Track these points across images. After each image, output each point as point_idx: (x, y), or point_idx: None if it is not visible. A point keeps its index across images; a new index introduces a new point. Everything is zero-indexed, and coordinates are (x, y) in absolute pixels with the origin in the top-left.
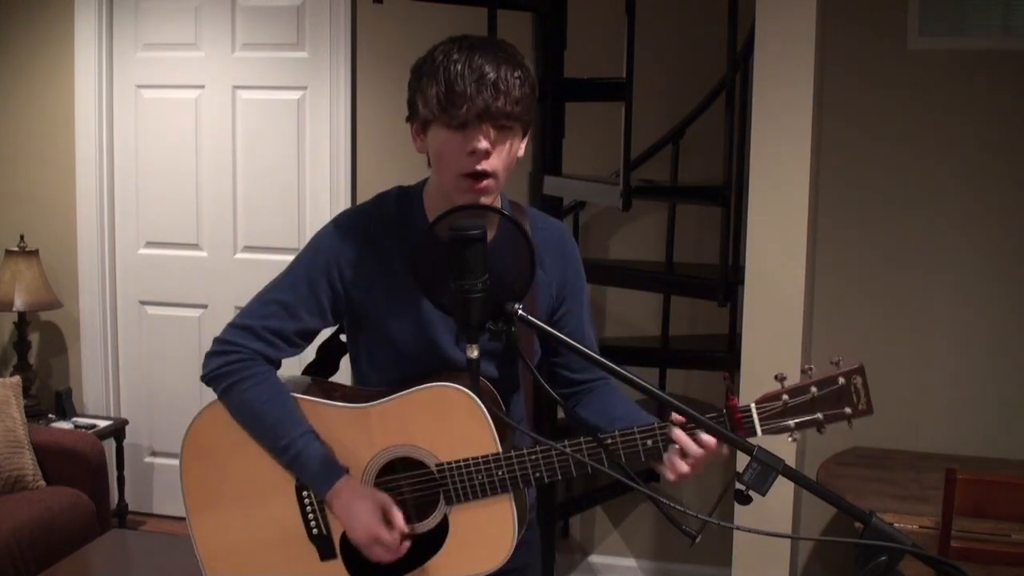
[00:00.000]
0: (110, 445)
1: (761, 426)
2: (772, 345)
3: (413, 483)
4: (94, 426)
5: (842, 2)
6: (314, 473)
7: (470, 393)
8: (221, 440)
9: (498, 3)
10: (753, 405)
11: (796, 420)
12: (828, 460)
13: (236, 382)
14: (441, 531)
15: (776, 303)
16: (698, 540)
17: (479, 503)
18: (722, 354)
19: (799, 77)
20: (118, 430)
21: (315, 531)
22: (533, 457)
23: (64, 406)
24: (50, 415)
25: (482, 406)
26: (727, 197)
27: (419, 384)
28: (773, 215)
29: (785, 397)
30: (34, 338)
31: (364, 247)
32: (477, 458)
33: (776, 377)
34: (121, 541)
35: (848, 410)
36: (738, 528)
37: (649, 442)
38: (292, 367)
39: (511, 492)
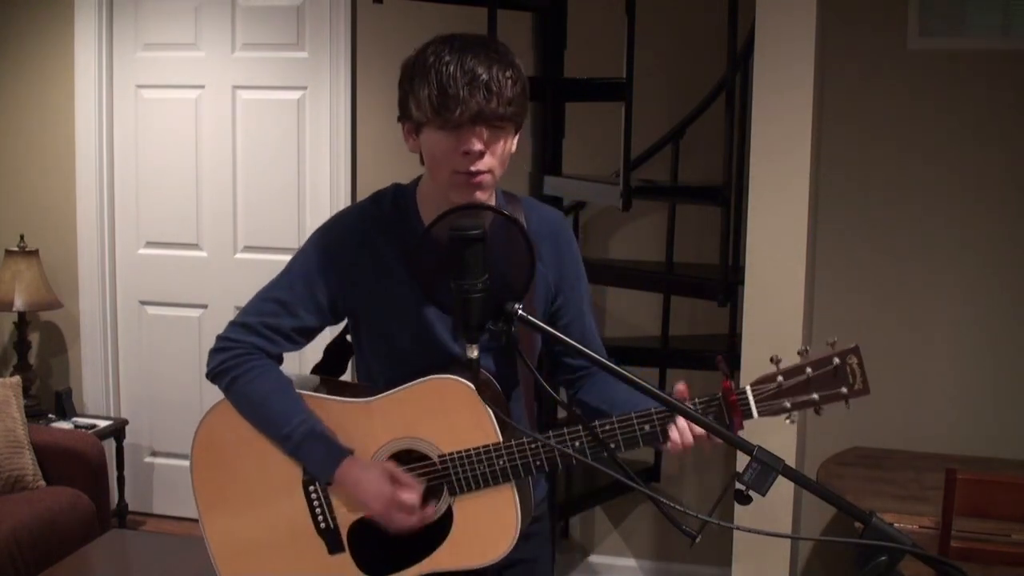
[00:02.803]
0: (110, 445)
1: (757, 408)
2: (772, 345)
3: (417, 475)
4: (94, 426)
5: (842, 2)
6: (318, 458)
7: (470, 384)
8: (229, 439)
9: (498, 3)
10: (748, 387)
11: (792, 401)
12: (828, 460)
13: (237, 376)
14: (445, 522)
15: (776, 303)
16: (698, 540)
17: (482, 493)
18: (722, 354)
19: (799, 77)
20: (118, 430)
21: (323, 525)
22: (534, 446)
23: (64, 406)
24: (50, 415)
25: (479, 398)
26: (727, 197)
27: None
28: (773, 215)
29: (780, 379)
30: (34, 338)
31: (360, 246)
32: (479, 448)
33: (771, 359)
34: (121, 541)
35: (844, 390)
36: (738, 528)
37: (647, 427)
38: (298, 370)
39: (513, 481)
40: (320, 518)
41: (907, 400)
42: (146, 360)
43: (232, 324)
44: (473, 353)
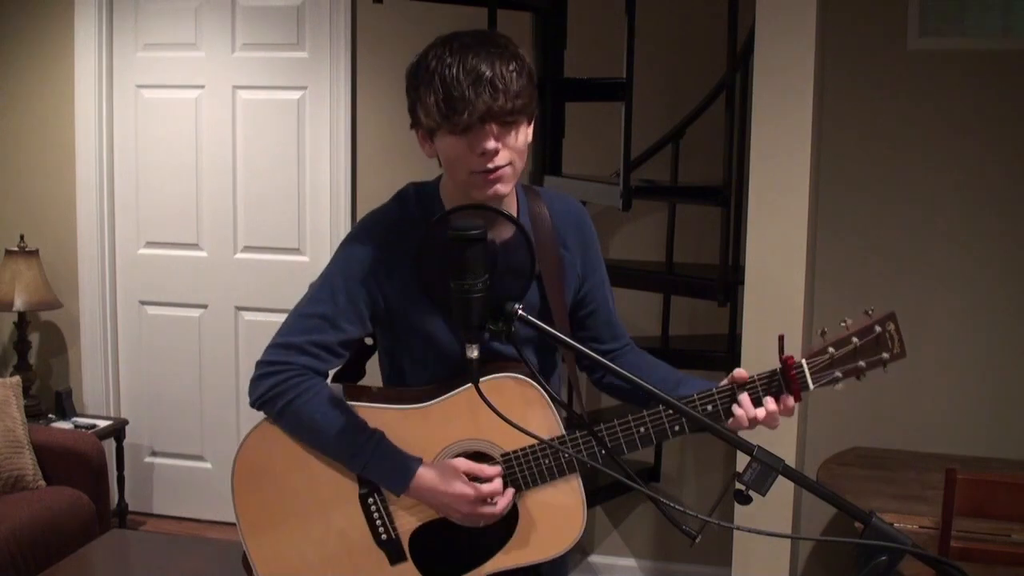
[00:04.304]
0: (110, 445)
1: (813, 380)
2: (772, 345)
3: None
4: (94, 426)
5: (842, 2)
6: (391, 472)
7: (530, 380)
8: (273, 460)
9: (498, 3)
10: (804, 361)
11: (842, 370)
12: (828, 460)
13: (292, 399)
14: (509, 521)
15: (776, 303)
16: (698, 540)
17: (547, 487)
18: (722, 354)
19: (799, 77)
20: (118, 430)
21: (383, 536)
22: (600, 435)
23: (64, 406)
24: (50, 415)
25: (544, 391)
26: (727, 197)
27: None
28: (773, 215)
29: (831, 350)
30: (34, 338)
31: (394, 249)
32: (542, 442)
33: (820, 333)
34: (121, 541)
35: (886, 355)
36: (738, 528)
37: (709, 407)
38: None
39: (579, 472)
40: (381, 530)
41: (907, 400)
42: (146, 360)
43: (274, 346)
44: (474, 353)
